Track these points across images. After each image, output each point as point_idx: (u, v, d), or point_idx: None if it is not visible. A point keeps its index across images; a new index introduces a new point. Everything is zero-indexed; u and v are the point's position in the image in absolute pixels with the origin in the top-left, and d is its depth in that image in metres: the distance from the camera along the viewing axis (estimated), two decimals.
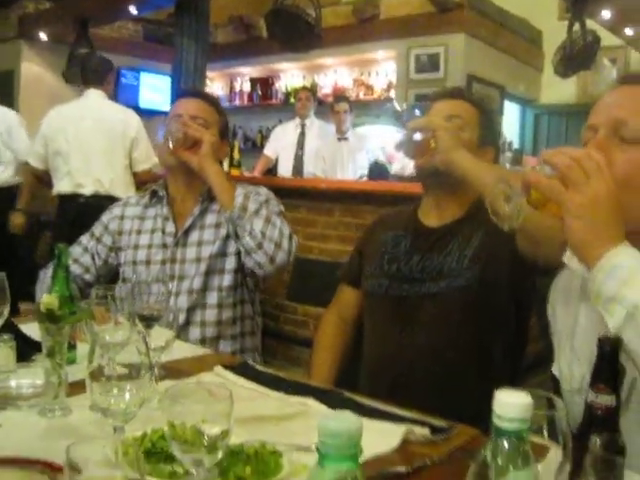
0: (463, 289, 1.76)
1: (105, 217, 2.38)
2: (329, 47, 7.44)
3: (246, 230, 2.05)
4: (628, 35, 6.03)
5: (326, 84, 8.05)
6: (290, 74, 8.48)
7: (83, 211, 4.36)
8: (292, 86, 8.25)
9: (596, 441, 0.83)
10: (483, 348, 1.77)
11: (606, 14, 5.43)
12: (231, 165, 5.39)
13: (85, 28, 6.92)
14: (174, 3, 6.37)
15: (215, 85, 9.17)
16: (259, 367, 1.73)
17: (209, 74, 8.04)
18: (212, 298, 2.18)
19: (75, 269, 2.22)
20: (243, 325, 2.26)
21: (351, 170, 5.96)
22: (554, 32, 6.34)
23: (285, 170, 6.39)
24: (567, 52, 5.39)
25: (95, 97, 4.68)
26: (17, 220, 5.00)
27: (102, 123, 4.54)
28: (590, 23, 5.47)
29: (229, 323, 2.21)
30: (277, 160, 6.60)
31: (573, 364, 1.36)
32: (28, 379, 1.51)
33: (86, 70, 4.94)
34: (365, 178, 5.45)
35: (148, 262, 2.23)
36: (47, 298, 1.35)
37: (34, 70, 7.58)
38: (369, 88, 7.59)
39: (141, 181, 4.55)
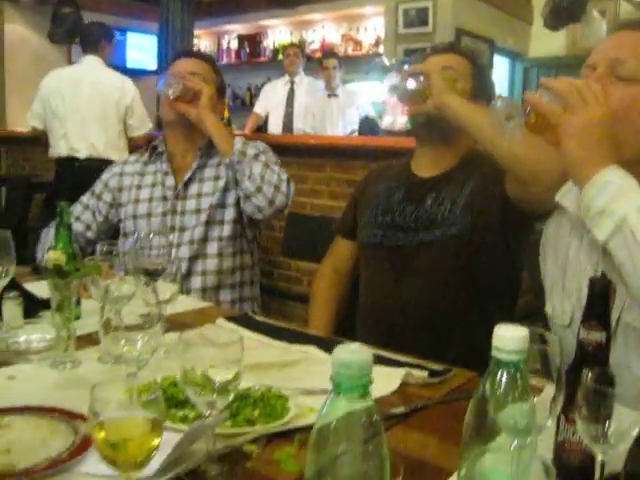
0: (456, 237, 1.79)
1: (105, 175, 2.43)
2: (316, 2, 7.39)
3: (245, 174, 2.10)
4: None
5: (314, 40, 7.98)
6: (278, 30, 8.40)
7: (79, 174, 4.48)
8: (280, 43, 8.18)
9: (587, 374, 0.88)
10: (477, 295, 1.82)
11: None
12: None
13: None
14: None
15: (202, 43, 9.08)
16: (260, 318, 1.77)
17: (196, 32, 7.96)
18: (212, 248, 2.24)
19: (77, 227, 2.26)
20: (242, 275, 2.32)
21: (341, 126, 5.96)
22: None
23: (275, 127, 6.39)
24: (557, 4, 5.36)
25: (92, 63, 4.76)
26: None
27: (98, 89, 4.63)
28: None
29: (229, 272, 2.27)
30: (267, 117, 6.59)
31: (564, 301, 1.43)
32: (36, 334, 1.55)
33: (81, 37, 5.02)
34: (356, 134, 5.46)
35: (149, 215, 2.29)
36: (54, 254, 1.39)
37: (18, 31, 7.48)
38: (357, 44, 7.54)
39: (137, 145, 4.59)
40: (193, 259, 2.22)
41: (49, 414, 1.14)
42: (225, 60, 8.73)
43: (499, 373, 0.74)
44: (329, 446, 0.65)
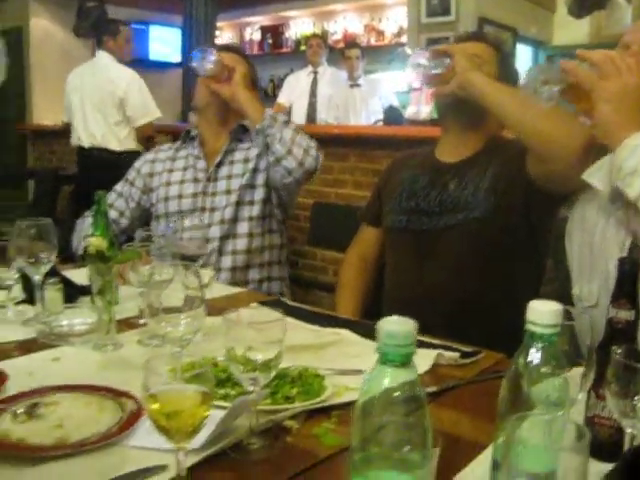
0: (480, 220, 1.81)
1: (138, 163, 2.52)
2: None
3: (276, 138, 2.16)
4: None
5: (336, 31, 8.00)
6: (300, 21, 8.42)
7: (84, 162, 4.95)
8: (302, 34, 8.21)
9: (617, 351, 0.91)
10: (501, 278, 1.84)
11: None
12: None
13: None
14: None
15: (225, 35, 9.13)
16: (292, 303, 1.82)
17: (218, 24, 8.01)
18: (242, 228, 2.31)
19: (111, 214, 2.32)
20: (271, 254, 2.38)
21: (364, 116, 5.98)
22: None
23: (298, 118, 6.42)
24: None
25: (100, 57, 5.03)
26: None
27: (97, 82, 4.90)
28: None
29: (258, 251, 2.34)
30: (290, 108, 6.63)
31: (591, 282, 1.48)
32: (77, 318, 1.61)
33: (94, 32, 5.32)
34: (380, 123, 5.48)
35: (180, 196, 2.36)
36: (95, 240, 1.44)
37: (43, 25, 7.56)
38: (380, 34, 7.55)
39: (143, 135, 4.87)
40: (224, 239, 2.28)
41: (96, 392, 1.19)
42: (248, 52, 8.75)
43: (533, 347, 0.78)
44: (374, 415, 0.69)
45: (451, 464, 0.96)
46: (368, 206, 2.21)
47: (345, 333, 1.56)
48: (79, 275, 1.87)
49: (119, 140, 4.86)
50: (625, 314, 0.97)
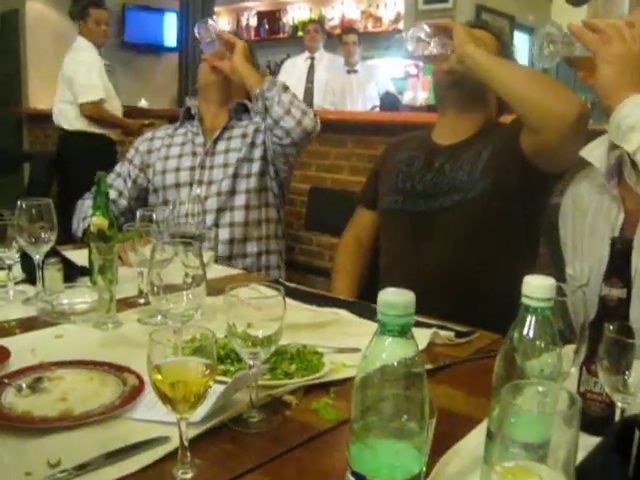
0: (475, 201, 1.83)
1: (136, 142, 2.56)
2: None
3: (275, 100, 2.21)
4: None
5: (334, 17, 8.00)
6: (297, 7, 8.42)
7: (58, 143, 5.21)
8: (299, 19, 8.21)
9: (609, 328, 0.94)
10: (496, 259, 1.86)
11: None
12: None
13: None
14: None
15: (222, 20, 9.11)
16: (291, 284, 1.84)
17: (215, 9, 7.99)
18: (240, 200, 2.34)
19: (110, 194, 2.34)
20: (268, 228, 2.42)
21: (361, 102, 5.99)
22: None
23: None
24: None
25: (77, 41, 5.13)
26: None
27: (64, 65, 5.07)
28: None
29: (255, 224, 2.37)
30: None
31: (583, 262, 1.53)
32: (78, 297, 1.63)
33: None
34: (377, 109, 5.49)
35: (177, 169, 2.40)
36: (97, 219, 1.46)
37: (39, 9, 7.54)
38: (377, 20, 7.55)
39: (86, 114, 4.93)
40: (220, 211, 2.32)
41: (98, 367, 1.21)
42: (244, 37, 8.75)
43: (527, 320, 0.81)
44: (374, 384, 0.71)
45: (447, 438, 0.98)
46: (364, 189, 2.23)
47: (343, 313, 1.58)
48: (78, 256, 1.89)
49: (68, 120, 5.00)
50: (617, 292, 0.99)
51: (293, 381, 1.17)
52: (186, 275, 1.17)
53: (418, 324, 1.46)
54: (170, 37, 8.39)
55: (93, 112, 4.89)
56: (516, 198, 1.83)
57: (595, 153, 1.49)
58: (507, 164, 1.81)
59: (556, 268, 1.81)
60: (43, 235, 1.61)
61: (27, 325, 1.49)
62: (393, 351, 0.70)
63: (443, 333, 1.43)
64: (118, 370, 1.20)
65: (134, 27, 8.27)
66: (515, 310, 0.84)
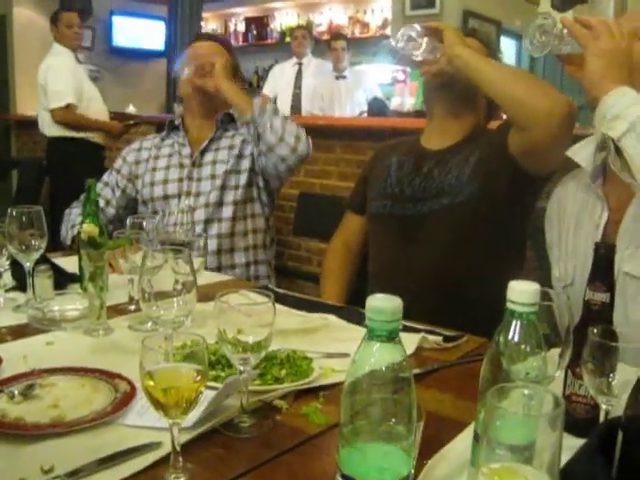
0: (464, 204, 1.85)
1: (124, 151, 2.56)
2: None
3: (267, 127, 2.19)
4: None
5: (321, 22, 8.02)
6: (285, 13, 8.43)
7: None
8: (287, 25, 8.22)
9: (593, 331, 0.96)
10: (484, 262, 1.88)
11: None
12: None
13: None
14: None
15: (210, 26, 9.11)
16: (280, 290, 1.85)
17: (203, 15, 8.00)
18: (227, 212, 2.34)
19: None
20: (255, 238, 2.42)
21: (349, 108, 6.01)
22: None
23: (283, 109, 6.41)
24: None
25: (53, 47, 5.15)
26: None
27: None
28: None
29: (241, 235, 2.37)
30: (275, 99, 6.64)
31: (567, 263, 1.59)
32: (69, 304, 1.63)
33: None
34: (365, 115, 5.51)
35: (165, 181, 2.40)
36: (87, 227, 1.46)
37: (26, 15, 7.53)
38: (365, 26, 7.58)
39: (57, 120, 4.95)
40: (208, 222, 2.32)
41: (90, 374, 1.22)
42: (232, 43, 8.76)
43: (513, 325, 0.82)
44: (363, 389, 0.73)
45: (435, 441, 1.00)
46: (353, 194, 2.24)
47: (332, 318, 1.60)
48: (67, 263, 1.90)
49: (47, 127, 5.04)
50: (601, 296, 1.01)
51: (283, 386, 1.18)
52: (176, 282, 1.18)
53: (406, 329, 1.48)
54: (158, 43, 8.39)
55: (64, 118, 4.90)
56: (504, 202, 1.85)
57: (582, 154, 1.55)
58: (495, 169, 1.83)
59: (542, 272, 1.84)
60: (33, 242, 1.62)
61: (18, 332, 1.49)
62: (381, 356, 0.72)
63: (431, 337, 1.45)
64: (109, 377, 1.21)
65: (122, 33, 8.28)
66: (503, 314, 0.86)
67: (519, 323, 0.82)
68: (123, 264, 1.61)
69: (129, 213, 2.39)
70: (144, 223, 1.65)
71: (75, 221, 2.31)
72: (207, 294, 1.38)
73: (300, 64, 6.48)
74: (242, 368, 1.04)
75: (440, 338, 1.46)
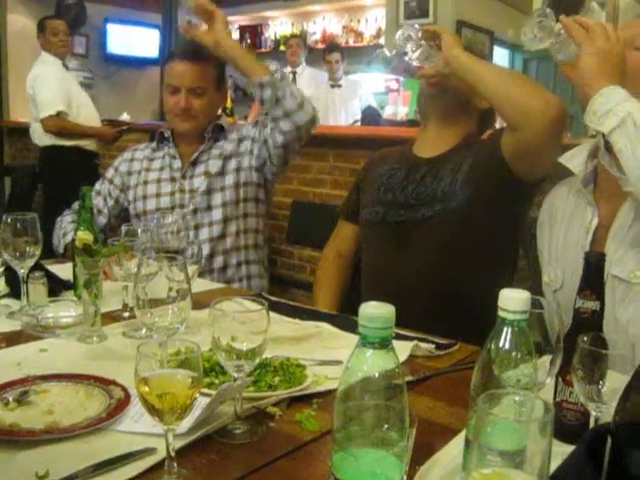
0: (456, 211, 1.86)
1: (116, 161, 2.55)
2: None
3: (287, 92, 2.16)
4: None
5: (315, 31, 8.05)
6: (279, 22, 8.47)
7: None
8: (281, 34, 8.25)
9: (583, 339, 0.97)
10: (476, 269, 1.88)
11: None
12: (224, 113, 5.47)
13: None
14: None
15: None
16: (273, 298, 1.86)
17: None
18: (217, 214, 2.33)
19: None
20: (247, 237, 2.41)
21: (344, 117, 6.04)
22: None
23: None
24: None
25: (42, 56, 5.14)
26: None
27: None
28: None
29: (233, 235, 2.36)
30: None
31: (557, 268, 1.63)
32: (63, 311, 1.64)
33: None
34: (358, 124, 5.54)
35: (158, 195, 2.39)
36: (82, 234, 1.47)
37: (21, 22, 7.52)
38: (359, 35, 7.62)
39: (48, 129, 4.92)
40: (198, 227, 2.32)
41: (84, 380, 1.23)
42: None
43: (504, 332, 0.83)
44: (356, 396, 0.74)
45: (428, 448, 1.01)
46: (346, 202, 2.25)
47: (325, 326, 1.61)
48: (61, 270, 1.91)
49: (39, 137, 5.02)
50: (591, 304, 1.03)
51: (277, 393, 1.19)
52: (170, 289, 1.19)
53: (399, 337, 1.49)
54: (152, 51, 8.41)
55: (55, 126, 4.88)
56: (496, 209, 1.86)
57: (574, 161, 1.60)
58: (487, 176, 1.85)
59: (534, 280, 1.86)
60: (28, 249, 1.62)
61: (12, 339, 1.49)
62: (374, 363, 0.73)
63: (424, 345, 1.46)
64: (104, 383, 1.21)
65: (116, 41, 8.30)
66: (495, 321, 0.87)
67: (510, 330, 0.83)
68: (117, 271, 1.62)
69: (121, 222, 2.39)
70: (139, 231, 1.66)
71: (67, 229, 2.31)
72: (201, 301, 1.39)
73: (294, 73, 6.51)
74: (236, 375, 1.05)
75: (432, 346, 1.47)
